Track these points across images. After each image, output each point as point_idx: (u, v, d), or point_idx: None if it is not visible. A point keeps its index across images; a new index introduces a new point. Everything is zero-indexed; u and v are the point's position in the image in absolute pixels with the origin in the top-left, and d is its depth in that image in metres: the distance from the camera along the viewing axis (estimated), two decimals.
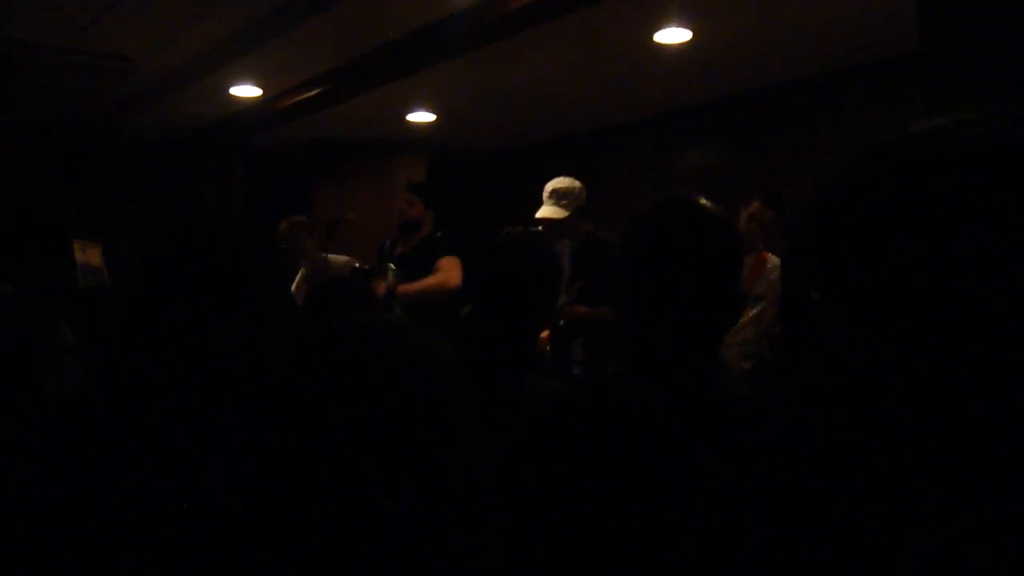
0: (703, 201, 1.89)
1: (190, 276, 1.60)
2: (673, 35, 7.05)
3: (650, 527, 1.66)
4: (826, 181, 0.84)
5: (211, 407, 1.54)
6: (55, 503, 1.49)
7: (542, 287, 2.60)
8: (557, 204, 5.73)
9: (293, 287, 7.12)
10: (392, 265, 6.19)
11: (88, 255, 8.06)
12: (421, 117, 9.78)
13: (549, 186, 5.80)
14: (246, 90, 8.79)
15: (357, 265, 6.30)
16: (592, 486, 1.73)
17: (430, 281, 6.04)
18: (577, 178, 5.92)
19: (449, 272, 6.03)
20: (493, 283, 2.59)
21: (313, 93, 8.63)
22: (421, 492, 1.29)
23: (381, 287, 5.93)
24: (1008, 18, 3.51)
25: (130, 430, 1.51)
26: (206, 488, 1.47)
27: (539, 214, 5.76)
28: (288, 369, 1.38)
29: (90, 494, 1.48)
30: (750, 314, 5.83)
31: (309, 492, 1.31)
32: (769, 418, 1.70)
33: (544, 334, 5.73)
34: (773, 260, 5.98)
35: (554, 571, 1.71)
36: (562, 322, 5.65)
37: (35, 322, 2.28)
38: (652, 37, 7.09)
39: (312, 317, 3.23)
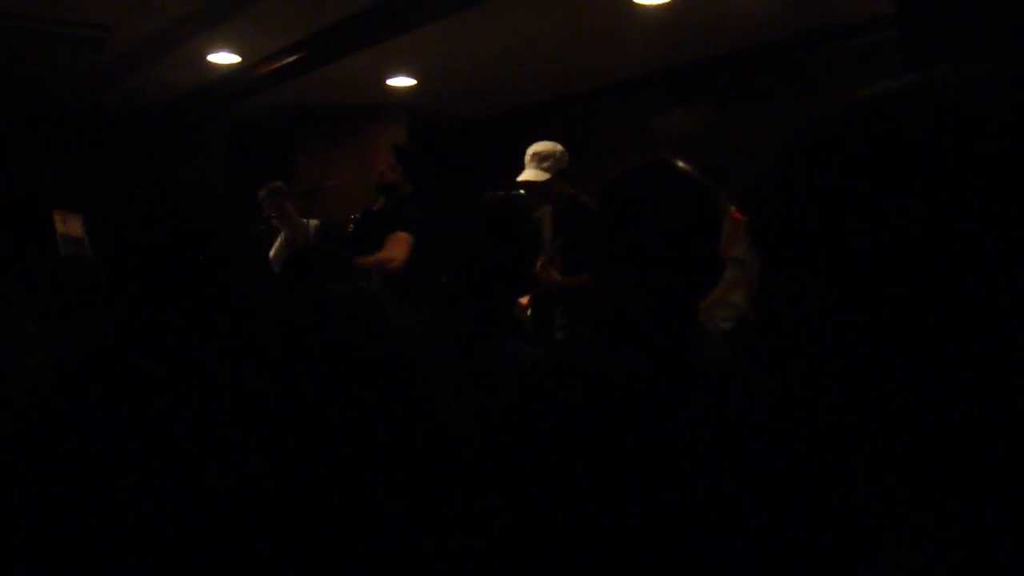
0: (681, 164, 1.87)
1: (167, 255, 1.59)
2: None
3: (626, 496, 1.65)
4: (780, 148, 0.82)
5: (188, 385, 1.54)
6: (29, 495, 1.49)
7: (518, 253, 2.59)
8: (539, 167, 5.71)
9: (272, 253, 7.11)
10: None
11: (69, 225, 8.03)
12: (401, 82, 9.74)
13: (531, 150, 5.79)
14: (224, 57, 8.72)
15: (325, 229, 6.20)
16: (568, 456, 1.72)
17: (370, 260, 5.89)
18: (559, 142, 5.90)
19: (392, 250, 5.87)
20: (469, 250, 2.58)
21: (292, 59, 8.57)
22: (395, 465, 1.29)
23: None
24: None
25: (100, 416, 1.50)
26: (181, 468, 1.47)
27: (521, 177, 5.75)
28: (265, 343, 1.38)
29: (62, 489, 1.48)
30: (729, 277, 5.87)
31: (287, 469, 1.30)
32: (745, 386, 1.69)
33: (524, 299, 5.72)
34: (747, 219, 5.98)
35: (531, 541, 1.70)
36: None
37: None
38: None
39: (289, 285, 3.20)
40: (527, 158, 5.77)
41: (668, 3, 7.13)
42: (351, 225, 6.28)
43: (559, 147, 5.76)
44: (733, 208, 6.13)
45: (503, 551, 1.63)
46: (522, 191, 5.90)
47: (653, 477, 1.65)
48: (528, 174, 5.72)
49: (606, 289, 1.84)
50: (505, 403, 1.85)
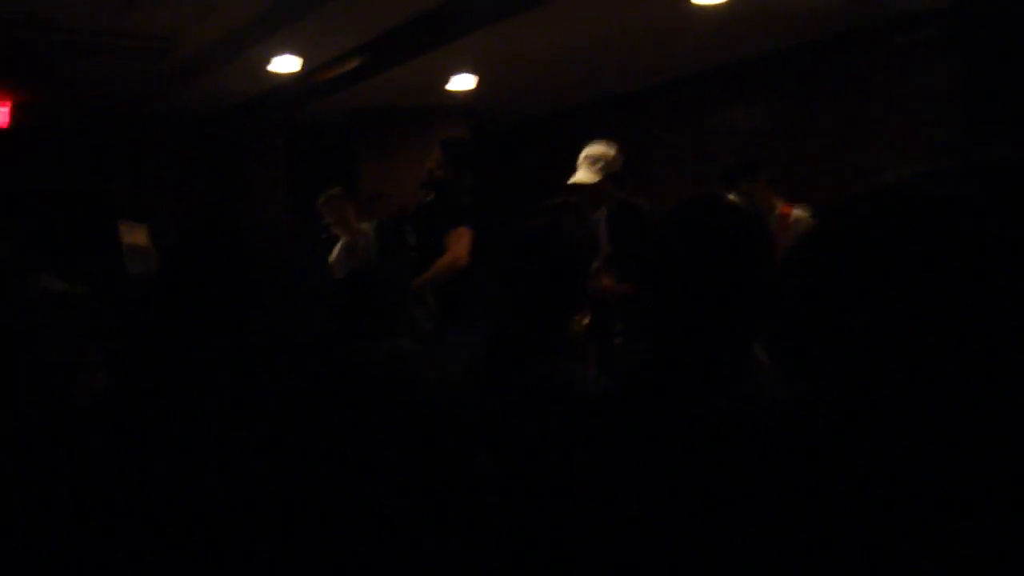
0: (731, 198, 1.85)
1: (201, 291, 1.60)
2: None
3: (666, 536, 1.63)
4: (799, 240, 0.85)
5: (223, 422, 1.54)
6: (65, 510, 1.51)
7: (561, 273, 2.56)
8: (589, 169, 5.68)
9: (332, 258, 7.16)
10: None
11: (135, 236, 8.12)
12: (461, 84, 9.75)
13: (584, 151, 5.76)
14: (285, 64, 8.79)
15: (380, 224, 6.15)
16: (612, 495, 1.70)
17: (439, 266, 5.86)
18: (617, 140, 5.85)
19: (456, 249, 5.86)
20: (515, 274, 2.56)
21: (353, 64, 8.62)
22: (424, 522, 1.29)
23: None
24: None
25: (138, 443, 1.52)
26: (208, 499, 1.47)
27: (572, 179, 5.73)
28: (301, 402, 1.38)
29: (97, 505, 1.50)
30: None
31: (314, 523, 1.30)
32: (800, 423, 1.65)
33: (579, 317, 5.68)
34: (796, 212, 5.93)
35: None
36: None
37: (70, 337, 2.29)
38: None
39: (344, 304, 3.20)
40: (580, 159, 5.74)
41: (725, 2, 7.07)
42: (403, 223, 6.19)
43: (612, 150, 5.71)
44: (782, 203, 6.04)
45: None
46: (569, 198, 5.87)
47: (696, 519, 1.62)
48: (579, 176, 5.70)
49: (656, 323, 1.82)
50: (549, 441, 1.82)
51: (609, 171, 5.65)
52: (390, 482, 1.30)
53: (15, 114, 9.99)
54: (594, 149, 5.72)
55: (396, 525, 1.30)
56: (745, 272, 1.78)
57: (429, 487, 1.31)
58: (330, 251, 7.23)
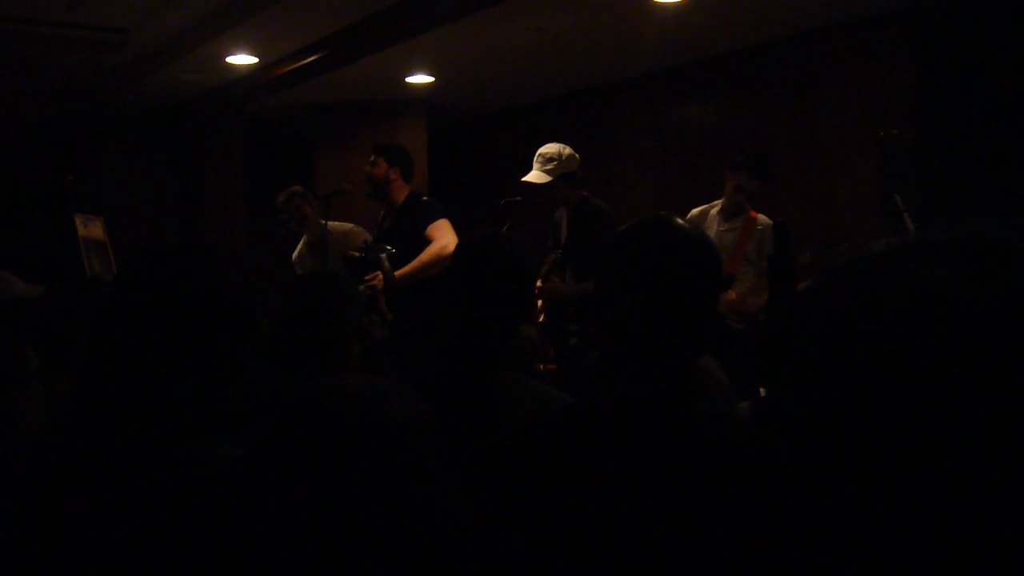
0: (679, 222, 1.88)
1: (156, 316, 1.59)
2: None
3: (624, 551, 1.64)
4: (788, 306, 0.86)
5: (174, 462, 1.54)
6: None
7: (509, 285, 2.58)
8: (541, 169, 5.69)
9: (295, 255, 7.13)
10: (389, 248, 6.00)
11: (91, 229, 8.07)
12: (420, 79, 9.73)
13: (538, 152, 5.77)
14: (242, 58, 8.74)
15: (351, 253, 6.13)
16: (569, 511, 1.70)
17: (425, 256, 5.90)
18: (577, 136, 5.89)
19: (442, 239, 5.90)
20: (459, 287, 2.60)
21: (310, 59, 8.59)
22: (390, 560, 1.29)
23: (379, 278, 5.78)
24: None
25: (89, 485, 1.51)
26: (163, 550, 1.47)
27: (524, 178, 5.75)
28: (260, 436, 1.37)
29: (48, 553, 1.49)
30: (746, 281, 5.93)
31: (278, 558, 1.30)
32: (745, 444, 1.67)
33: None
34: (762, 219, 6.03)
35: None
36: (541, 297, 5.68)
37: (4, 346, 2.26)
38: None
39: (288, 312, 3.15)
40: (535, 158, 5.75)
41: (684, 1, 7.11)
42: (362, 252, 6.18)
43: (566, 150, 5.71)
44: (750, 208, 6.11)
45: None
46: (518, 197, 5.93)
47: (646, 542, 1.63)
48: (531, 176, 5.72)
49: (605, 342, 1.84)
50: (494, 468, 1.82)
51: (561, 171, 5.66)
52: (359, 527, 1.31)
53: None
54: (547, 149, 5.73)
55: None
56: (693, 293, 1.80)
57: (397, 532, 1.31)
58: (290, 248, 7.20)
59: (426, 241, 6.00)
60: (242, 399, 1.61)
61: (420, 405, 1.38)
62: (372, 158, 6.40)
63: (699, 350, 1.86)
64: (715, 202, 6.29)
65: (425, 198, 6.42)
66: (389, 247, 5.93)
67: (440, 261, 5.74)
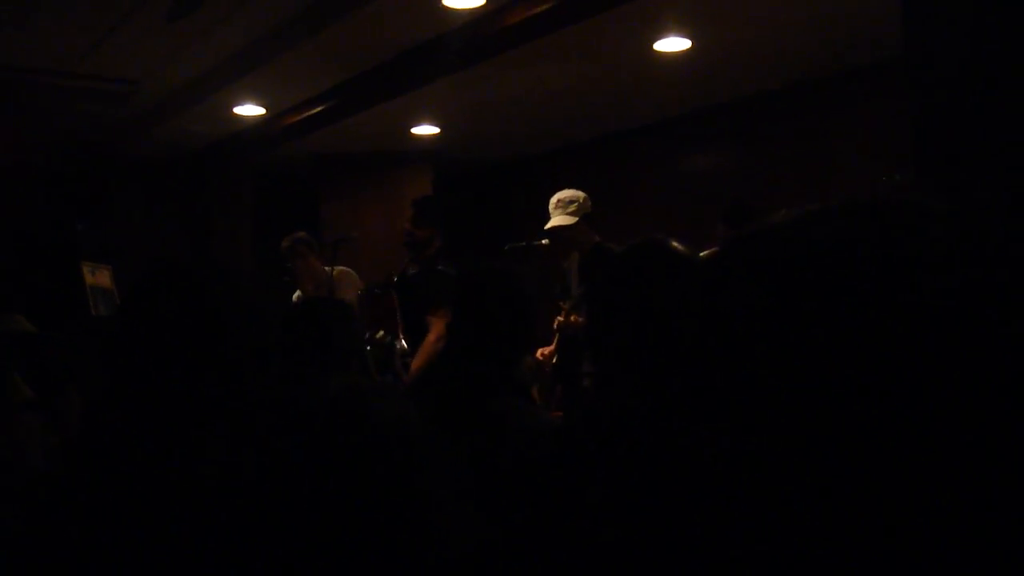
0: (674, 244, 1.89)
1: (162, 335, 1.61)
2: (672, 44, 7.09)
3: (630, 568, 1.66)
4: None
5: (186, 475, 1.56)
6: None
7: (510, 317, 2.62)
8: (564, 212, 5.73)
9: (294, 299, 7.16)
10: (403, 344, 6.15)
11: (98, 277, 8.12)
12: (425, 130, 9.81)
13: (554, 197, 5.81)
14: (249, 109, 8.83)
15: (368, 290, 6.24)
16: (573, 531, 1.72)
17: (424, 349, 5.95)
18: (583, 186, 5.93)
19: (438, 328, 5.92)
20: (463, 316, 2.64)
21: (316, 110, 8.67)
22: (384, 559, 1.31)
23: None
24: (992, 21, 3.56)
25: (102, 512, 1.53)
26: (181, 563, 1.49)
27: (549, 224, 5.77)
28: (258, 437, 1.40)
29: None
30: None
31: (282, 559, 1.32)
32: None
33: (548, 349, 5.77)
34: None
35: None
36: (558, 336, 5.70)
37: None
38: (652, 46, 7.13)
39: (289, 332, 3.23)
40: (552, 206, 5.79)
41: (687, 50, 7.19)
42: (381, 288, 6.29)
43: (581, 193, 5.79)
44: None
45: None
46: (545, 240, 5.93)
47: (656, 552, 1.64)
48: (555, 220, 5.75)
49: (602, 365, 1.86)
50: (506, 477, 1.85)
51: (584, 212, 5.72)
52: (353, 525, 1.33)
53: None
54: (564, 194, 5.79)
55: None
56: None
57: (394, 528, 1.34)
58: (292, 293, 7.24)
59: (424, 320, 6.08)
60: (251, 406, 1.63)
61: (405, 404, 1.41)
62: (414, 218, 6.31)
63: None
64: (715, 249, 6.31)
65: (440, 267, 6.31)
66: (403, 344, 6.14)
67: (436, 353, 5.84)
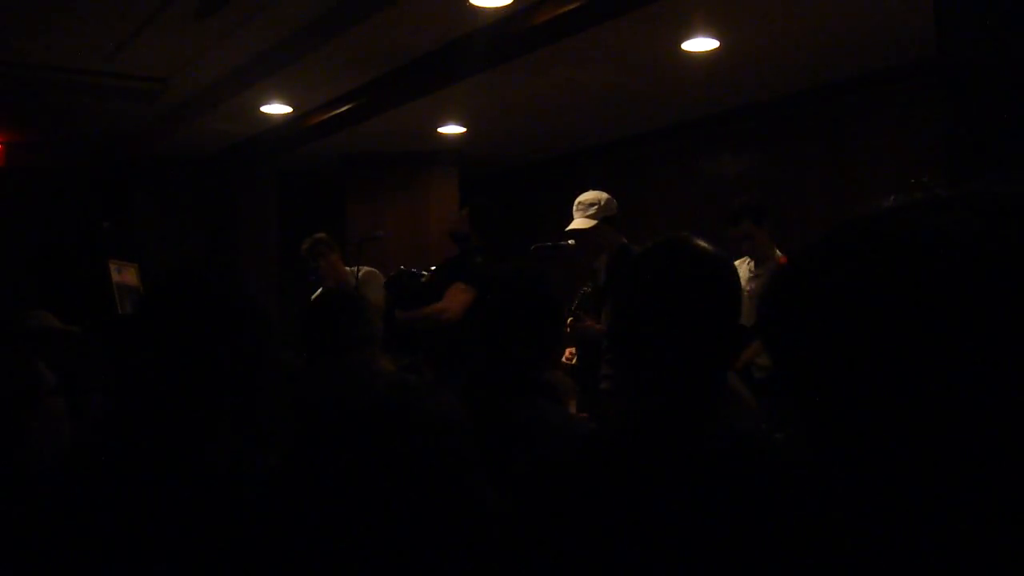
0: (696, 241, 1.88)
1: (174, 335, 1.63)
2: (700, 44, 7.06)
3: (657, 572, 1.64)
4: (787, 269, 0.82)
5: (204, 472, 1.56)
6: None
7: (535, 318, 2.62)
8: (584, 215, 5.73)
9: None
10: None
11: (124, 275, 8.15)
12: (451, 130, 9.81)
13: (577, 200, 5.81)
14: (277, 108, 8.85)
15: (402, 267, 6.32)
16: (600, 535, 1.70)
17: (426, 310, 5.96)
18: (609, 187, 5.92)
19: (449, 302, 5.90)
20: (488, 317, 2.63)
21: (343, 109, 8.67)
22: (431, 546, 1.30)
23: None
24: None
25: (121, 495, 1.54)
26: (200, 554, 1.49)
27: (569, 227, 5.77)
28: (293, 432, 1.40)
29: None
30: None
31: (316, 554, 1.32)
32: (778, 457, 1.67)
33: (571, 349, 5.76)
34: None
35: None
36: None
37: (13, 365, 2.30)
38: (680, 47, 7.10)
39: (312, 318, 3.34)
40: (574, 208, 5.79)
41: (715, 50, 7.16)
42: (425, 275, 6.31)
43: (604, 195, 5.78)
44: (779, 254, 6.08)
45: None
46: (571, 241, 5.90)
47: (677, 561, 1.63)
48: (576, 223, 5.74)
49: (629, 364, 1.84)
50: (527, 491, 1.83)
51: (604, 215, 5.70)
52: (392, 511, 1.32)
53: (7, 154, 10.03)
54: (587, 196, 5.79)
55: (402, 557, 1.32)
56: (711, 312, 1.81)
57: (432, 517, 1.32)
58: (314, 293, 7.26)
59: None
60: (273, 402, 1.64)
61: (450, 400, 1.40)
62: (464, 216, 6.40)
63: (723, 366, 1.86)
64: None
65: (479, 258, 6.33)
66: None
67: (434, 320, 5.86)
